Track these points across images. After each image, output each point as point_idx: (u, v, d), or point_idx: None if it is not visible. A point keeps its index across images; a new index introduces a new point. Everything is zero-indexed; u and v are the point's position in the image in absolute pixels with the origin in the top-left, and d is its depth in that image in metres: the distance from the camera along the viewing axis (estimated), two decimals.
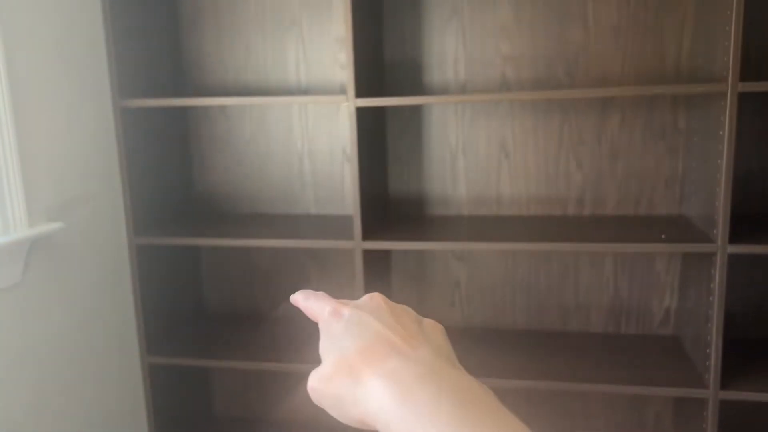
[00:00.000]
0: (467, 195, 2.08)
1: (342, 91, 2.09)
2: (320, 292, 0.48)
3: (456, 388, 0.36)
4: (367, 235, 1.83)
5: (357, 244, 1.80)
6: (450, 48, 2.00)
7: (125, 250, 1.97)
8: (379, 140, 2.03)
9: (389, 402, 0.36)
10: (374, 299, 0.45)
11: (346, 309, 0.43)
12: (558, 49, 1.94)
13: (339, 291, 2.24)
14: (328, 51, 2.08)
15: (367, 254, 1.84)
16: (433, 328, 0.43)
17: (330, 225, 2.01)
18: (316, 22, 2.07)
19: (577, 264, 2.06)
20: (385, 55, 2.05)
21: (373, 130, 1.94)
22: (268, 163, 2.20)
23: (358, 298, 0.47)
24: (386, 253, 2.13)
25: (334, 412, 0.40)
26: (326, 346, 0.42)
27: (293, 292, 0.50)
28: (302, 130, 2.16)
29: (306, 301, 0.47)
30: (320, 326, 0.44)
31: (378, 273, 2.01)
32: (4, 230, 1.47)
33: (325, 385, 0.39)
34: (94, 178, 1.83)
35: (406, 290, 2.19)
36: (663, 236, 1.71)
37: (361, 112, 1.77)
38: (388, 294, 2.14)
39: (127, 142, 1.90)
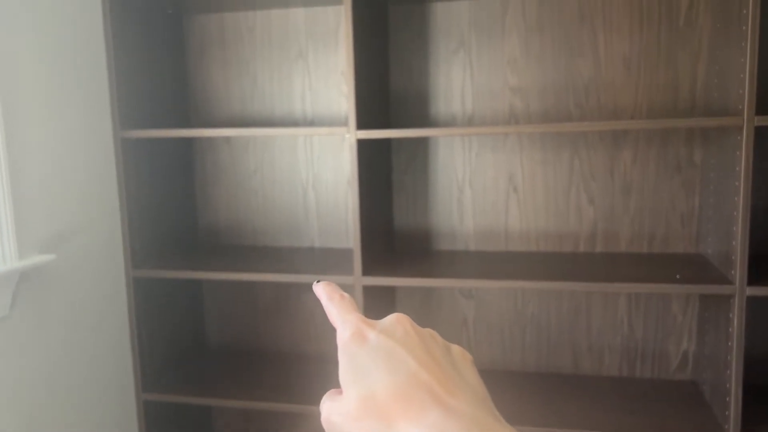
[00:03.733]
0: (474, 229, 2.02)
1: (347, 122, 2.05)
2: (346, 297, 0.43)
3: None
4: (369, 270, 1.77)
5: (357, 280, 1.74)
6: (457, 79, 1.96)
7: (122, 283, 1.93)
8: (384, 172, 1.98)
9: None
10: (401, 323, 0.40)
11: (372, 333, 0.38)
12: (567, 80, 1.89)
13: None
14: (333, 83, 2.06)
15: (370, 290, 1.78)
16: (463, 359, 0.40)
17: (333, 259, 1.96)
18: (322, 54, 2.05)
19: (589, 302, 1.98)
20: (391, 87, 2.02)
21: (378, 162, 1.89)
22: (272, 194, 2.17)
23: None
24: (390, 289, 2.06)
25: None
26: (350, 376, 0.37)
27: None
28: (307, 161, 2.12)
29: (329, 304, 0.43)
30: (340, 346, 0.39)
31: (382, 309, 1.94)
32: None
33: (348, 423, 0.35)
34: (91, 209, 1.80)
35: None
36: (678, 276, 1.62)
37: (363, 143, 1.73)
38: None
39: (128, 172, 1.87)
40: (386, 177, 2.01)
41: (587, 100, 1.88)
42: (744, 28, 1.49)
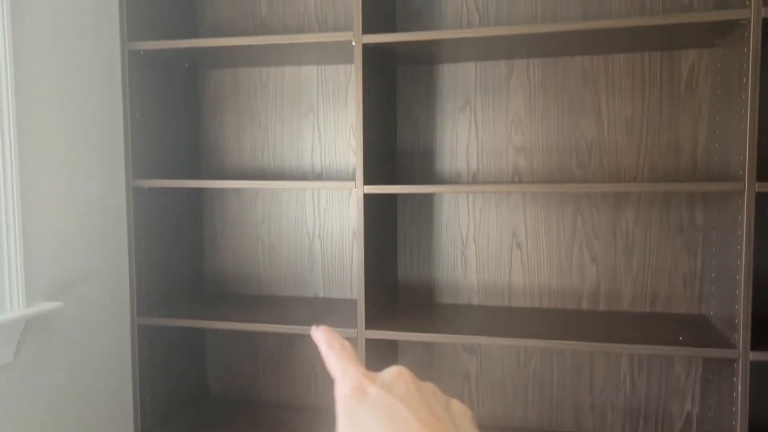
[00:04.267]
0: (478, 284, 2.03)
1: (354, 176, 2.09)
2: (346, 345, 0.42)
3: None
4: (372, 322, 1.77)
5: (360, 333, 1.75)
6: (462, 137, 2.00)
7: (127, 330, 1.94)
8: (390, 225, 2.01)
9: None
10: (402, 378, 0.39)
11: (373, 388, 0.38)
12: (571, 141, 1.93)
13: None
14: (342, 137, 2.10)
15: (372, 342, 1.78)
16: (463, 416, 0.39)
17: (337, 310, 1.97)
18: (332, 110, 2.11)
19: (591, 361, 1.97)
20: (398, 143, 2.06)
21: (383, 215, 1.92)
22: (279, 244, 2.19)
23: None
24: (393, 341, 2.06)
25: None
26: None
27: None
28: (314, 212, 2.15)
29: (328, 353, 0.42)
30: (339, 399, 0.38)
31: (384, 361, 1.94)
32: (0, 309, 1.45)
33: None
34: (100, 256, 1.82)
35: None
36: (681, 339, 1.62)
37: (370, 197, 1.76)
38: None
39: (138, 220, 1.90)
40: (391, 230, 2.03)
41: (590, 160, 1.92)
42: (744, 96, 1.53)
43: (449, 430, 0.36)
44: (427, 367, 2.09)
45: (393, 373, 0.39)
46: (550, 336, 1.66)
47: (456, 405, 0.40)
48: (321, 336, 0.43)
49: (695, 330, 1.71)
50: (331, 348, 0.41)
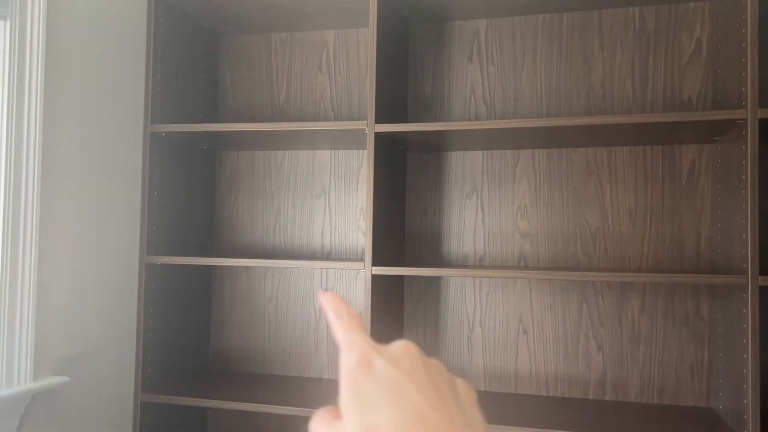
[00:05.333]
0: (484, 369, 2.02)
1: (363, 257, 2.12)
2: (354, 314, 0.41)
3: None
4: None
5: None
6: (469, 222, 2.05)
7: (130, 406, 1.92)
8: (396, 307, 2.02)
9: None
10: (409, 353, 0.38)
11: (379, 361, 0.37)
12: (575, 229, 1.96)
13: None
14: (353, 219, 2.15)
15: None
16: (467, 396, 0.38)
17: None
18: (344, 192, 2.17)
19: None
20: (406, 226, 2.11)
21: (390, 296, 1.94)
22: (285, 323, 2.20)
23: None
24: None
25: None
26: (352, 404, 0.35)
27: None
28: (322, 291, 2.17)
29: (335, 321, 0.40)
30: (344, 369, 0.38)
31: None
32: (7, 382, 1.46)
33: None
34: (108, 332, 1.84)
35: None
36: None
37: (377, 279, 1.79)
38: None
39: (149, 296, 1.93)
40: (398, 311, 2.04)
41: (595, 248, 1.95)
42: (744, 191, 1.57)
43: (452, 407, 0.36)
44: None
45: (400, 347, 0.39)
46: (557, 426, 1.63)
47: (461, 384, 0.39)
48: (329, 303, 0.42)
49: (704, 425, 1.68)
50: (339, 316, 0.40)
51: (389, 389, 0.35)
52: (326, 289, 0.42)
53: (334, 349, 2.15)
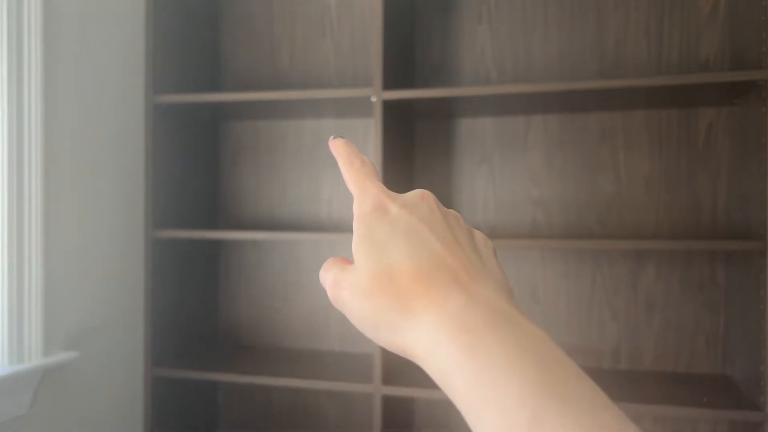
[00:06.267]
0: None
1: None
2: (367, 162, 0.39)
3: (534, 343, 0.29)
4: (388, 378, 1.75)
5: (376, 389, 1.72)
6: (480, 191, 2.01)
7: (140, 381, 1.92)
8: None
9: (455, 352, 0.30)
10: (426, 200, 0.36)
11: (394, 206, 0.35)
12: (589, 196, 1.93)
13: None
14: None
15: (389, 400, 1.75)
16: (485, 246, 0.37)
17: (353, 364, 1.94)
18: None
19: None
20: None
21: None
22: (295, 296, 2.19)
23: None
24: (410, 401, 2.03)
25: (356, 324, 0.34)
26: (365, 248, 0.34)
27: None
28: None
29: (347, 168, 0.38)
30: (356, 215, 0.36)
31: (400, 421, 1.90)
32: (18, 358, 1.45)
33: (358, 299, 0.33)
34: (117, 306, 1.83)
35: None
36: (705, 400, 1.58)
37: None
38: None
39: (156, 271, 1.91)
40: None
41: (609, 216, 1.91)
42: (762, 155, 1.53)
43: (470, 254, 0.34)
44: (446, 426, 2.05)
45: (416, 194, 0.37)
46: None
47: (479, 235, 0.38)
48: (340, 149, 0.39)
49: (720, 391, 1.66)
50: (351, 164, 0.39)
51: (404, 233, 0.33)
52: (335, 137, 0.38)
53: (344, 322, 2.14)
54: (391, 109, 1.79)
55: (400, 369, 1.88)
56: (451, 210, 0.38)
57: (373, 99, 1.73)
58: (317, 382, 1.76)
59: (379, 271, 0.33)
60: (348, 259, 0.35)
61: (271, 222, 2.21)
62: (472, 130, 2.03)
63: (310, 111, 2.01)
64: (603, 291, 1.92)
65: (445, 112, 1.96)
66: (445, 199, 2.04)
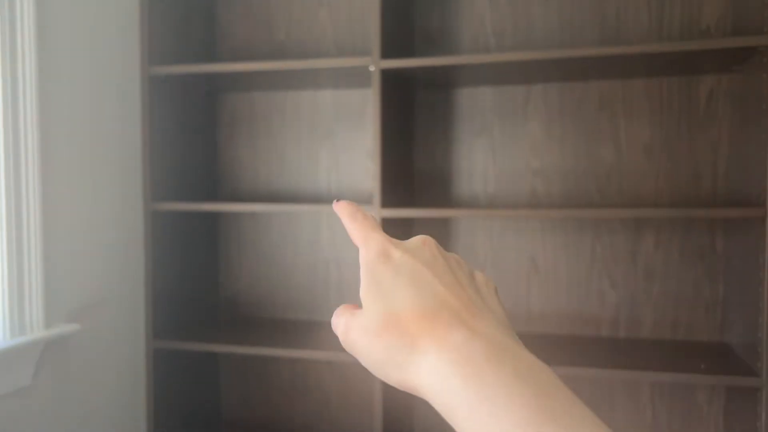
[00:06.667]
0: None
1: (371, 200, 2.09)
2: (368, 215, 0.41)
3: (531, 373, 0.32)
4: None
5: None
6: (479, 161, 2.01)
7: (142, 353, 1.93)
8: None
9: (457, 384, 0.32)
10: (427, 246, 0.39)
11: (397, 252, 0.38)
12: (589, 165, 1.92)
13: (357, 405, 2.14)
14: (359, 161, 2.11)
15: None
16: (486, 286, 0.39)
17: None
18: (349, 134, 2.12)
19: (612, 389, 1.94)
20: (415, 167, 2.07)
21: (400, 240, 1.91)
22: (294, 268, 2.19)
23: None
24: None
25: (367, 365, 0.36)
26: (372, 292, 0.36)
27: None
28: (330, 237, 2.15)
29: (351, 223, 0.41)
30: (363, 264, 0.38)
31: (400, 391, 1.92)
32: (20, 330, 1.45)
33: (368, 339, 0.35)
34: (117, 280, 1.83)
35: (429, 409, 2.07)
36: (702, 366, 1.59)
37: (387, 222, 1.76)
38: (409, 414, 2.03)
39: (155, 244, 1.91)
40: None
41: (609, 185, 1.91)
42: (764, 121, 1.52)
43: (472, 296, 0.36)
44: None
45: (418, 240, 0.39)
46: (570, 363, 1.64)
47: (480, 276, 0.40)
48: (343, 208, 0.42)
49: (718, 358, 1.68)
50: (354, 219, 0.41)
51: (408, 277, 0.36)
52: (338, 199, 0.42)
53: (343, 293, 2.15)
54: (389, 79, 1.78)
55: None
56: (452, 253, 0.40)
57: (372, 68, 1.72)
58: (318, 352, 1.77)
59: (386, 313, 0.35)
60: (357, 306, 0.37)
61: (270, 194, 2.21)
62: (472, 100, 2.01)
63: (308, 82, 1.99)
64: (602, 260, 1.93)
65: (444, 82, 1.94)
66: (445, 170, 2.03)
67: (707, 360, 1.65)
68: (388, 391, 1.78)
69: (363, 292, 0.37)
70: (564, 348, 1.79)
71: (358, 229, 0.40)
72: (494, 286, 0.40)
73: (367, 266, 0.37)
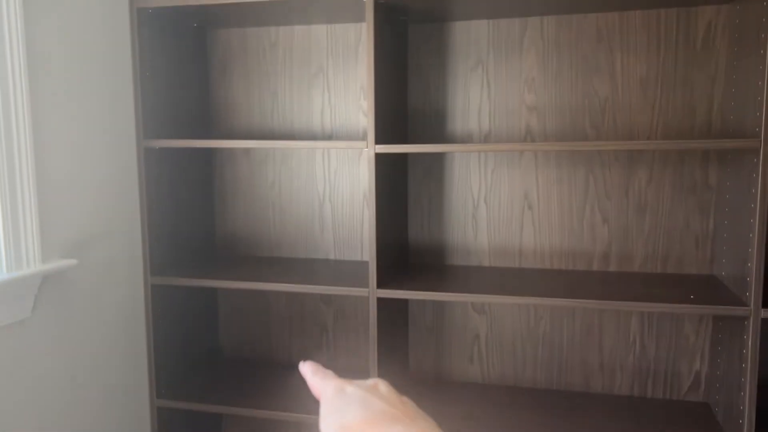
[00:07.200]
0: (489, 245, 2.03)
1: (365, 137, 2.08)
2: (329, 371, 0.51)
3: None
4: (383, 282, 1.79)
5: (371, 292, 1.76)
6: (474, 97, 1.99)
7: (140, 289, 1.96)
8: (401, 187, 2.01)
9: None
10: (379, 385, 0.47)
11: (350, 387, 0.46)
12: (584, 100, 1.91)
13: (354, 338, 2.19)
14: (353, 98, 2.09)
15: (383, 302, 1.80)
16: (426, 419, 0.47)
17: (348, 271, 1.98)
18: (342, 70, 2.09)
19: (601, 322, 1.98)
20: (409, 103, 2.05)
21: (394, 177, 1.92)
22: (289, 207, 2.20)
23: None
24: (404, 303, 2.08)
25: None
26: (329, 414, 0.44)
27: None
28: (325, 174, 2.15)
29: (313, 377, 0.50)
30: (321, 403, 0.47)
31: (394, 322, 1.96)
32: (16, 264, 1.47)
33: None
34: (113, 216, 1.83)
35: (423, 342, 2.12)
36: (692, 297, 1.63)
37: (381, 158, 1.76)
38: (405, 346, 2.08)
39: (150, 181, 1.91)
40: (402, 192, 2.03)
41: (603, 120, 1.90)
42: (762, 52, 1.50)
43: (415, 409, 0.45)
44: (437, 328, 2.11)
45: (371, 381, 0.48)
46: (560, 295, 1.67)
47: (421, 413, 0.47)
48: (308, 368, 0.51)
49: (706, 289, 1.71)
50: (316, 374, 0.50)
51: (358, 401, 0.44)
52: (304, 361, 0.56)
53: (338, 231, 2.16)
54: (382, 11, 1.74)
55: (393, 275, 1.92)
56: (402, 396, 0.48)
57: None
58: (315, 287, 1.79)
59: (338, 425, 0.43)
60: None
61: (263, 132, 2.19)
62: (467, 34, 1.98)
63: (300, 14, 1.95)
64: (595, 195, 1.94)
65: (438, 15, 1.90)
66: (439, 106, 2.02)
67: (696, 292, 1.69)
68: (382, 320, 1.82)
69: (321, 418, 0.45)
70: (555, 282, 1.82)
71: (319, 381, 0.49)
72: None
73: (326, 401, 0.46)
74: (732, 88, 1.74)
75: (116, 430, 1.88)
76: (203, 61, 2.19)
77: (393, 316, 1.94)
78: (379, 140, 1.73)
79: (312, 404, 1.90)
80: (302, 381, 2.08)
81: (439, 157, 2.05)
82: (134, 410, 1.95)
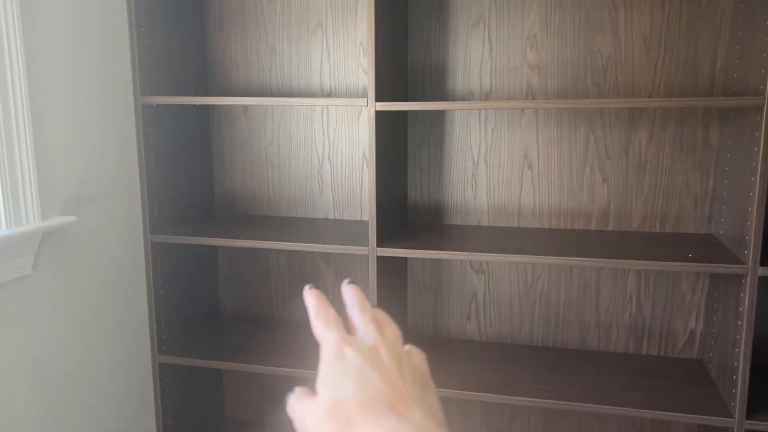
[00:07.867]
0: (488, 205, 2.03)
1: (364, 94, 2.06)
2: (332, 313, 0.49)
3: None
4: (382, 241, 1.79)
5: (371, 251, 1.77)
6: (475, 55, 1.96)
7: (140, 247, 1.96)
8: (400, 146, 2.00)
9: None
10: (378, 344, 0.46)
11: (350, 351, 0.45)
12: (586, 58, 1.88)
13: None
14: (352, 55, 2.06)
15: (382, 261, 1.81)
16: (425, 383, 0.46)
17: (347, 230, 1.98)
18: (342, 27, 2.06)
19: (598, 280, 2.00)
20: (409, 61, 2.02)
21: (394, 136, 1.90)
22: (288, 165, 2.19)
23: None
24: (402, 261, 2.09)
25: None
26: (325, 383, 0.44)
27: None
28: (323, 133, 2.14)
29: (316, 319, 0.49)
30: (321, 356, 0.46)
31: (393, 280, 1.97)
32: (16, 221, 1.46)
33: (317, 423, 0.42)
34: (112, 174, 1.83)
35: (421, 300, 2.14)
36: (690, 255, 1.64)
37: (381, 116, 1.75)
38: (403, 304, 2.09)
39: (148, 139, 1.90)
40: (402, 151, 2.02)
41: (605, 78, 1.88)
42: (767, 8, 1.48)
43: (410, 389, 0.43)
44: (435, 286, 2.12)
45: (371, 338, 0.47)
46: (557, 253, 1.67)
47: (425, 375, 0.47)
48: (312, 302, 0.49)
49: (704, 248, 1.72)
50: (319, 315, 0.48)
51: (355, 372, 0.43)
52: (311, 287, 0.49)
53: (337, 190, 2.16)
54: None
55: (392, 234, 1.92)
56: (406, 348, 0.47)
57: None
58: (315, 245, 1.80)
59: (333, 402, 0.42)
60: (312, 393, 0.45)
61: (261, 90, 2.17)
62: None
63: None
64: (595, 154, 1.93)
65: None
66: (440, 63, 1.99)
67: (694, 250, 1.70)
68: (381, 278, 1.83)
69: (318, 384, 0.44)
70: (554, 240, 1.83)
71: (321, 327, 0.47)
72: (433, 386, 0.46)
73: (324, 362, 0.45)
74: (736, 46, 1.72)
75: (118, 386, 1.91)
76: (200, 17, 2.15)
77: (392, 274, 1.95)
78: (379, 98, 1.71)
79: (312, 359, 1.92)
80: (302, 338, 2.10)
81: (440, 116, 2.03)
82: (136, 366, 1.97)
